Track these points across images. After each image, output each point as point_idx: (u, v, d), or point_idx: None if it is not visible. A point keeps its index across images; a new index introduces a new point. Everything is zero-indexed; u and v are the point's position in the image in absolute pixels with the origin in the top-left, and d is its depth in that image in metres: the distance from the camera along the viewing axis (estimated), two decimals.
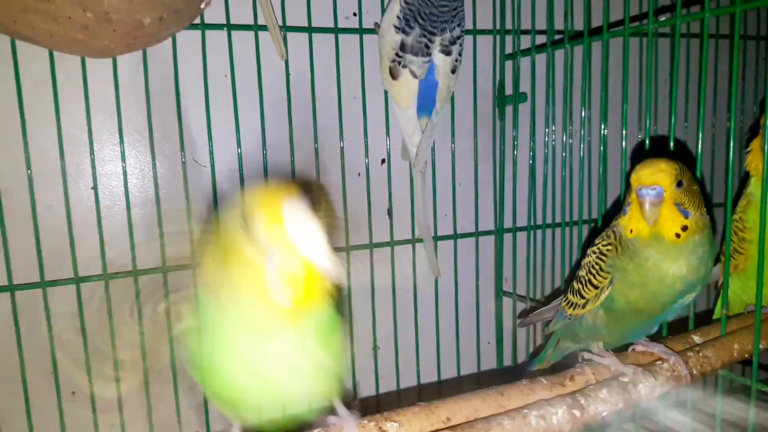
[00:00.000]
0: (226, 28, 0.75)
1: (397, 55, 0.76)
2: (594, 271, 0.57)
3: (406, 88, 0.77)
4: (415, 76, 0.76)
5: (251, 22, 0.77)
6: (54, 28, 0.50)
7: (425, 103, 0.79)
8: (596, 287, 0.57)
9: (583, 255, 0.61)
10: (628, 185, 0.52)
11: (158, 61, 0.73)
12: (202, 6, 0.58)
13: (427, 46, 0.75)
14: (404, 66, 0.76)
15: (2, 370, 0.73)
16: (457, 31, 0.77)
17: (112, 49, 0.56)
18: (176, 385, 0.78)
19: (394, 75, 0.76)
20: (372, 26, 0.83)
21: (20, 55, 0.67)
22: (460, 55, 0.79)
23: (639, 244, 0.51)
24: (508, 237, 0.96)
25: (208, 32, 0.75)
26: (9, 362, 0.72)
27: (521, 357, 0.96)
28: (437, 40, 0.76)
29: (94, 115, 0.73)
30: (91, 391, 0.74)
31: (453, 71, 0.78)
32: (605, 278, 0.55)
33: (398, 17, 0.74)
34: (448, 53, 0.77)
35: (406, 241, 0.90)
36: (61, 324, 0.75)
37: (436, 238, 0.91)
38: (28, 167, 0.70)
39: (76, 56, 0.67)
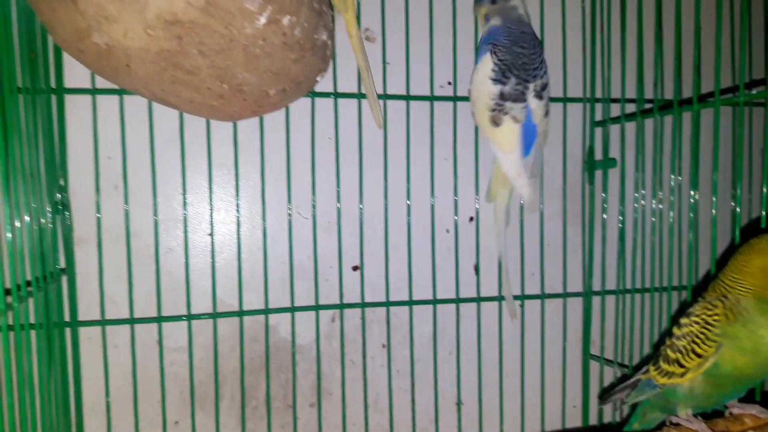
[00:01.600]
0: (332, 96, 0.83)
1: (497, 104, 0.81)
2: (699, 341, 0.58)
3: (509, 133, 0.82)
4: (516, 121, 0.81)
5: (355, 91, 0.85)
6: (195, 96, 0.58)
7: (525, 147, 0.84)
8: (700, 356, 0.57)
9: (674, 324, 0.62)
10: (728, 251, 0.54)
11: (273, 123, 0.82)
12: (319, 78, 0.66)
13: (523, 93, 0.80)
14: (505, 113, 0.81)
15: (116, 395, 0.80)
16: (545, 78, 0.82)
17: (239, 115, 0.64)
18: (270, 422, 0.84)
19: (496, 122, 0.81)
20: (466, 94, 0.89)
21: (155, 114, 0.78)
22: (549, 99, 0.85)
23: (756, 309, 0.53)
24: (596, 300, 0.96)
25: (316, 99, 0.83)
26: (123, 388, 0.80)
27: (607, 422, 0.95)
28: (531, 86, 0.81)
29: (215, 169, 0.82)
30: (193, 423, 0.81)
31: (546, 114, 0.83)
32: (711, 347, 0.56)
33: (494, 70, 0.80)
34: (540, 98, 0.82)
35: (493, 298, 0.92)
36: (171, 357, 0.82)
37: (523, 297, 0.93)
38: (155, 213, 0.80)
39: (203, 118, 0.77)
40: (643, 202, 0.88)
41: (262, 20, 0.53)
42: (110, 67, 0.57)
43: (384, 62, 0.86)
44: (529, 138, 0.84)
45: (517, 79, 0.80)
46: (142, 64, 0.54)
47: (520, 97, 0.81)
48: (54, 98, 0.75)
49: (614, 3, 0.93)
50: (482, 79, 0.82)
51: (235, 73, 0.56)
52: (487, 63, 0.81)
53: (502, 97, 0.80)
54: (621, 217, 0.91)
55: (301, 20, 0.56)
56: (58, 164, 0.76)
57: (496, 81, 0.80)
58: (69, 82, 0.77)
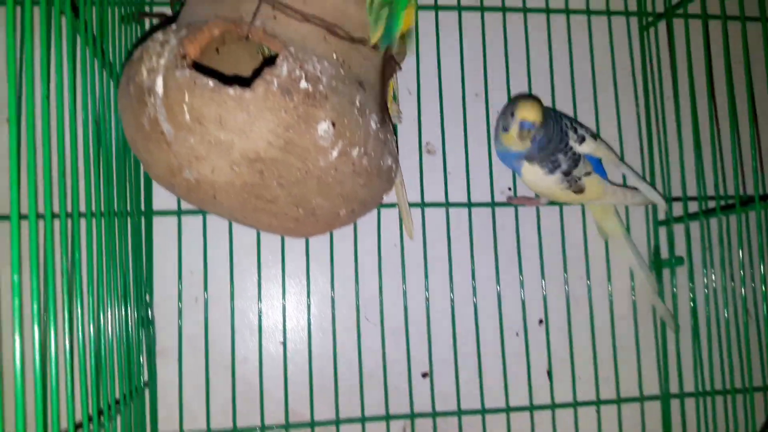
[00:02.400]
0: (396, 206, 0.88)
1: (567, 182, 0.83)
2: None
3: (596, 187, 0.85)
4: (590, 174, 0.84)
5: (418, 201, 0.89)
6: (273, 221, 0.63)
7: (602, 173, 0.88)
8: None
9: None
10: None
11: (341, 235, 0.86)
12: (384, 197, 0.70)
13: (574, 155, 0.83)
14: (579, 179, 0.84)
15: None
16: (565, 123, 0.84)
17: (311, 233, 0.68)
18: None
19: (580, 190, 0.84)
20: (527, 202, 0.91)
21: (235, 231, 0.84)
22: (581, 127, 0.87)
23: None
24: (675, 403, 0.92)
25: (382, 210, 0.88)
26: None
27: None
28: (570, 143, 0.83)
29: (288, 279, 0.87)
30: None
31: (594, 138, 0.86)
32: None
33: (543, 170, 0.83)
34: (582, 139, 0.84)
35: (568, 405, 0.90)
36: None
37: (599, 402, 0.90)
38: (232, 324, 0.84)
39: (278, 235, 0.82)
40: (715, 299, 0.86)
41: (334, 154, 0.58)
42: (198, 199, 0.63)
43: (445, 172, 0.90)
44: (599, 168, 0.87)
45: (562, 153, 0.82)
46: (227, 195, 0.60)
47: (575, 160, 0.83)
48: (143, 220, 0.83)
49: (668, 105, 0.95)
50: (538, 180, 0.84)
51: (309, 200, 0.60)
52: (531, 171, 0.84)
53: (567, 174, 0.83)
54: (693, 316, 0.89)
55: (368, 150, 0.60)
56: (145, 281, 0.82)
57: (551, 172, 0.83)
58: (157, 205, 0.84)
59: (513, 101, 0.86)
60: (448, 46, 0.93)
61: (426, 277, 0.87)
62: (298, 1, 0.59)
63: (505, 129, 0.81)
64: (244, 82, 0.55)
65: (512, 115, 0.79)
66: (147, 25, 0.87)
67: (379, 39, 0.62)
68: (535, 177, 0.84)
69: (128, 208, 0.73)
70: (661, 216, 0.94)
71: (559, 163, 0.82)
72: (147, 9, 0.87)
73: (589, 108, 0.95)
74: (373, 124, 0.61)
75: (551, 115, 0.83)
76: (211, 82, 0.55)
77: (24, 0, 0.44)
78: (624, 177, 0.92)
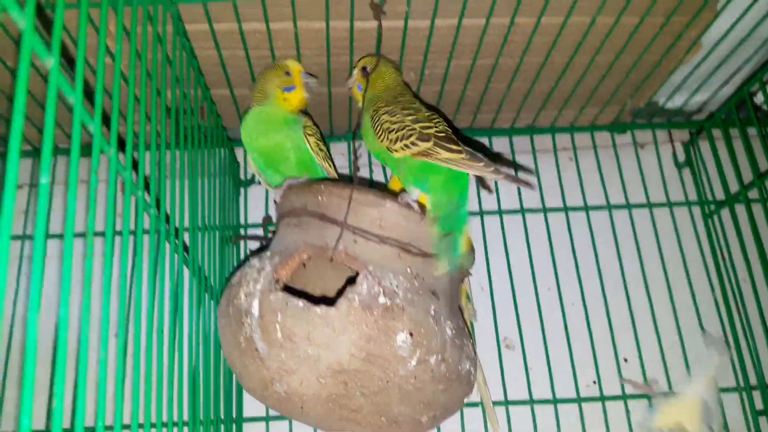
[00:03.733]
0: (479, 405, 0.88)
1: None
2: None
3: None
4: None
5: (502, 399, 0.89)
6: (357, 429, 0.65)
7: None
8: None
9: None
10: None
11: None
12: (465, 401, 0.71)
13: None
14: None
15: None
16: None
17: None
18: None
19: None
20: (613, 392, 0.89)
21: None
22: None
23: None
24: None
25: (466, 410, 0.88)
26: None
27: None
28: None
29: None
30: None
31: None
32: None
33: None
34: None
35: None
36: None
37: None
38: None
39: None
40: None
41: (413, 362, 0.61)
42: (288, 409, 0.66)
43: (526, 368, 0.90)
44: None
45: None
46: (314, 406, 0.63)
47: None
48: (234, 427, 0.86)
49: (745, 288, 0.94)
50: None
51: (391, 408, 0.63)
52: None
53: None
54: None
55: (446, 356, 0.64)
56: None
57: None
58: (247, 412, 0.88)
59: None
60: (517, 245, 0.99)
61: None
62: (375, 226, 0.67)
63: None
64: (330, 301, 0.62)
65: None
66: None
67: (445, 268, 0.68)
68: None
69: (222, 416, 0.77)
70: (759, 405, 0.88)
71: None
72: (242, 233, 0.99)
73: (663, 294, 0.95)
74: (449, 331, 0.65)
75: None
76: (300, 303, 0.61)
77: (137, 250, 0.53)
78: None
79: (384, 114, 0.73)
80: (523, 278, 0.97)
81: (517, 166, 1.05)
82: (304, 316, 0.61)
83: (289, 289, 0.64)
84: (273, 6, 0.74)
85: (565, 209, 1.01)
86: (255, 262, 0.69)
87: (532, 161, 1.05)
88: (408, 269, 0.67)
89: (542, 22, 0.80)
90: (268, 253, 0.70)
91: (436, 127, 0.70)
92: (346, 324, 0.60)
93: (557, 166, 1.04)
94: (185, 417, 0.64)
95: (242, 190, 1.03)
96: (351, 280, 0.64)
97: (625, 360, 0.93)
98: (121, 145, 0.44)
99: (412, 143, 0.68)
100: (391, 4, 0.76)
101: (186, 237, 0.66)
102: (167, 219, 0.59)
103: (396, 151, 0.70)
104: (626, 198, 1.02)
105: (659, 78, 0.95)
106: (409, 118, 0.71)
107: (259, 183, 1.02)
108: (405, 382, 0.61)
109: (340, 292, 0.62)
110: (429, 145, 0.67)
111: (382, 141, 0.72)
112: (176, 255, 0.62)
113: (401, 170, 0.71)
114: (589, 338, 0.93)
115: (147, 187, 0.52)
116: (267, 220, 0.98)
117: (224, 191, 0.90)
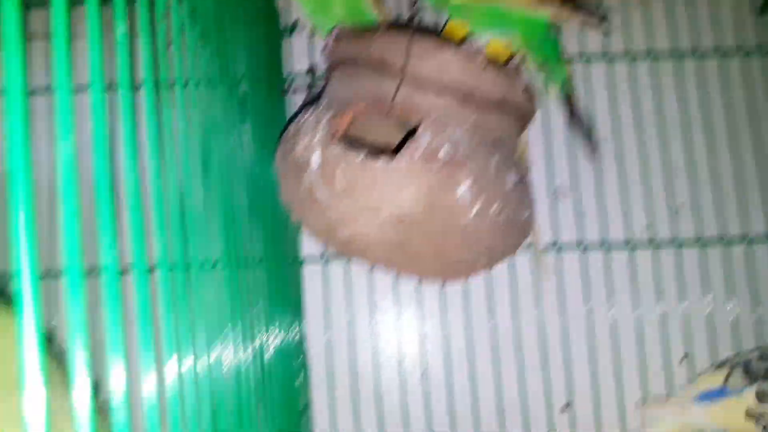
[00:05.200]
0: None
1: None
2: None
3: None
4: None
5: None
6: (416, 270, 0.69)
7: None
8: None
9: None
10: None
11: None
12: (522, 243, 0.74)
13: None
14: None
15: None
16: None
17: (451, 280, 0.74)
18: None
19: None
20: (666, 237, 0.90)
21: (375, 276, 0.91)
22: None
23: None
24: None
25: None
26: None
27: None
28: None
29: (427, 320, 0.92)
30: None
31: None
32: None
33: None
34: None
35: None
36: None
37: None
38: (376, 359, 0.90)
39: None
40: None
41: (473, 212, 0.62)
42: (350, 251, 0.70)
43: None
44: None
45: None
46: (376, 250, 0.66)
47: None
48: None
49: None
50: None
51: (450, 253, 0.65)
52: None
53: None
54: None
55: (505, 206, 0.64)
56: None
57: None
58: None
59: None
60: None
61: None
62: (435, 75, 0.65)
63: None
64: (390, 154, 0.62)
65: None
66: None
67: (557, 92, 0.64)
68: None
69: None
70: None
71: None
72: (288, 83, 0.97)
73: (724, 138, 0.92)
74: (509, 182, 0.65)
75: None
76: (360, 155, 0.61)
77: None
78: None
79: None
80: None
81: None
82: (364, 168, 0.61)
83: (347, 139, 0.64)
84: None
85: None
86: (309, 115, 0.69)
87: None
88: (470, 120, 0.65)
89: None
90: (321, 106, 0.70)
91: None
92: (407, 176, 0.60)
93: None
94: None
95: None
96: (411, 133, 0.63)
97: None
98: None
99: None
100: None
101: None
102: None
103: None
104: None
105: None
106: None
107: (303, 28, 0.98)
108: (464, 231, 0.63)
109: (401, 145, 0.62)
110: None
111: None
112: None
113: (467, 17, 0.67)
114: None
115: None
116: (313, 69, 0.95)
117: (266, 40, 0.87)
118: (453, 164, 0.61)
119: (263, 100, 0.80)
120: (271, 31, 0.91)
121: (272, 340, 0.70)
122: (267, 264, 0.71)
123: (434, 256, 0.66)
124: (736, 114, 0.93)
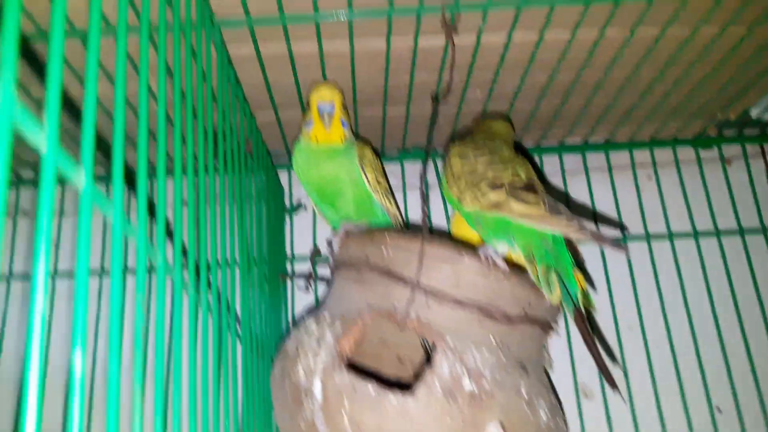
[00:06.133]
0: None
1: None
2: None
3: None
4: None
5: None
6: None
7: None
8: None
9: None
10: None
11: None
12: None
13: None
14: None
15: None
16: None
17: None
18: None
19: None
20: None
21: None
22: None
23: None
24: None
25: None
26: None
27: None
28: None
29: None
30: None
31: None
32: None
33: None
34: None
35: None
36: None
37: None
38: None
39: None
40: None
41: None
42: None
43: (608, 418, 0.81)
44: None
45: None
46: None
47: None
48: None
49: None
50: None
51: None
52: None
53: None
54: None
55: None
56: None
57: None
58: None
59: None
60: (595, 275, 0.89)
61: None
62: (450, 286, 0.58)
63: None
64: (404, 383, 0.53)
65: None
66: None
67: (560, 301, 0.57)
68: None
69: None
70: None
71: None
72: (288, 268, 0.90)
73: (762, 337, 0.84)
74: (542, 414, 0.55)
75: None
76: (372, 389, 0.52)
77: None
78: None
79: (455, 156, 0.63)
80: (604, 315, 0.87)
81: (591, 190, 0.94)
82: (375, 404, 0.52)
83: (354, 366, 0.55)
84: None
85: (647, 237, 0.90)
86: (312, 326, 0.61)
87: (607, 178, 0.94)
88: (492, 338, 0.57)
89: (637, 33, 0.69)
90: (326, 317, 0.61)
91: (513, 171, 0.60)
92: (426, 416, 0.51)
93: (636, 184, 0.93)
94: None
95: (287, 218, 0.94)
96: (427, 354, 0.55)
97: (719, 410, 0.83)
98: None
99: (482, 194, 0.58)
100: (463, 20, 0.65)
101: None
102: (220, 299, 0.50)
103: (465, 202, 0.60)
104: (714, 222, 0.91)
105: (759, 90, 0.83)
106: (483, 159, 0.62)
107: (305, 209, 0.93)
108: None
109: (416, 373, 0.53)
110: (501, 196, 0.58)
111: (451, 188, 0.63)
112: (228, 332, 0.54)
113: (478, 224, 0.62)
114: (678, 384, 0.83)
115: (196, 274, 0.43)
116: (316, 252, 0.88)
117: (269, 222, 0.81)
118: (479, 399, 0.51)
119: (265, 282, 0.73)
120: (275, 208, 0.86)
121: None
122: None
123: None
124: None
